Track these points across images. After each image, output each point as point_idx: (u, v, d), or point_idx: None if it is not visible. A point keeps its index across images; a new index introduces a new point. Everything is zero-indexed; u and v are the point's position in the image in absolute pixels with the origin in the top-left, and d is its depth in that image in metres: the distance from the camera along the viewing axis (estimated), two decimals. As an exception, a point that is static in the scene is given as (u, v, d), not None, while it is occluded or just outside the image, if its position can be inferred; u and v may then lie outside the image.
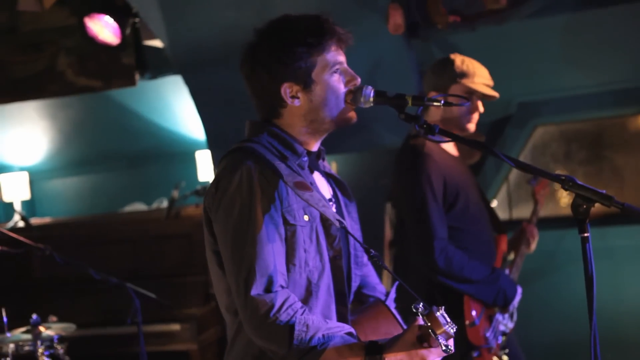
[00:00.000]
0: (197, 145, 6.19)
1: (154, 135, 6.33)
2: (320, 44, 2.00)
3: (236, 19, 4.63)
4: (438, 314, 1.71)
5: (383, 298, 2.25)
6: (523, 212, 5.06)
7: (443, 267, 3.01)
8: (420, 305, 1.72)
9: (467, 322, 3.08)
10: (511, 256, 3.52)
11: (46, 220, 6.09)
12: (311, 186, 1.98)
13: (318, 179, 2.14)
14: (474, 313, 3.10)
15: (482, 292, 3.11)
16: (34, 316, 3.70)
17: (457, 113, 3.14)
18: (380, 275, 2.94)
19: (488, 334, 3.14)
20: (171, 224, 5.41)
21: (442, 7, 4.52)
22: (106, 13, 5.08)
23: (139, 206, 6.36)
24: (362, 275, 2.29)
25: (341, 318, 2.07)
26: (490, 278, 3.12)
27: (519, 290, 3.26)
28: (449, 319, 1.72)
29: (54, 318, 3.96)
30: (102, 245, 5.40)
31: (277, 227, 1.93)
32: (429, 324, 1.71)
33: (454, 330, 1.72)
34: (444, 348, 1.71)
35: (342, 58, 2.06)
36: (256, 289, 1.87)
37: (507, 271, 3.41)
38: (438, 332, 1.71)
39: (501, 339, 3.22)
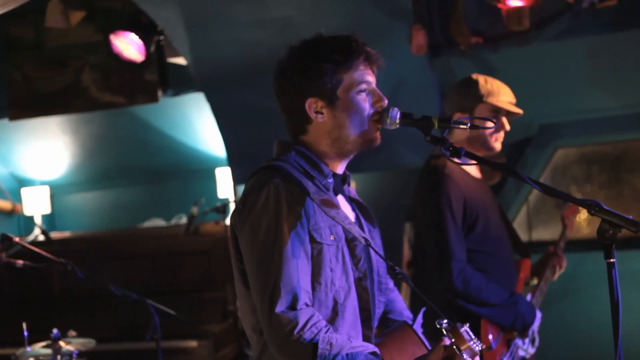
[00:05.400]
0: (217, 163, 6.21)
1: (175, 151, 6.36)
2: (347, 62, 2.01)
3: (259, 39, 4.66)
4: (462, 329, 1.70)
5: (410, 323, 2.24)
6: (542, 234, 5.03)
7: (461, 289, 2.97)
8: (445, 322, 1.71)
9: (483, 346, 3.04)
10: (534, 281, 3.47)
11: (66, 234, 6.12)
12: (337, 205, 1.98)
13: (342, 202, 2.13)
14: (490, 337, 3.06)
15: (499, 315, 3.07)
16: (55, 331, 3.69)
17: (483, 132, 3.11)
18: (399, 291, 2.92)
19: (505, 359, 3.10)
20: (190, 240, 5.42)
21: (465, 28, 4.53)
22: (131, 30, 5.15)
23: (158, 222, 6.38)
24: (386, 302, 2.28)
25: (366, 340, 2.05)
26: (509, 302, 3.07)
27: (539, 314, 3.21)
28: (473, 336, 1.70)
29: (74, 333, 3.94)
30: (121, 260, 5.41)
31: (303, 244, 1.93)
32: (453, 340, 1.70)
33: (479, 348, 1.71)
34: None
35: (370, 78, 2.05)
36: (280, 306, 1.87)
37: (529, 296, 3.37)
38: (462, 347, 1.69)
39: (520, 364, 3.18)
